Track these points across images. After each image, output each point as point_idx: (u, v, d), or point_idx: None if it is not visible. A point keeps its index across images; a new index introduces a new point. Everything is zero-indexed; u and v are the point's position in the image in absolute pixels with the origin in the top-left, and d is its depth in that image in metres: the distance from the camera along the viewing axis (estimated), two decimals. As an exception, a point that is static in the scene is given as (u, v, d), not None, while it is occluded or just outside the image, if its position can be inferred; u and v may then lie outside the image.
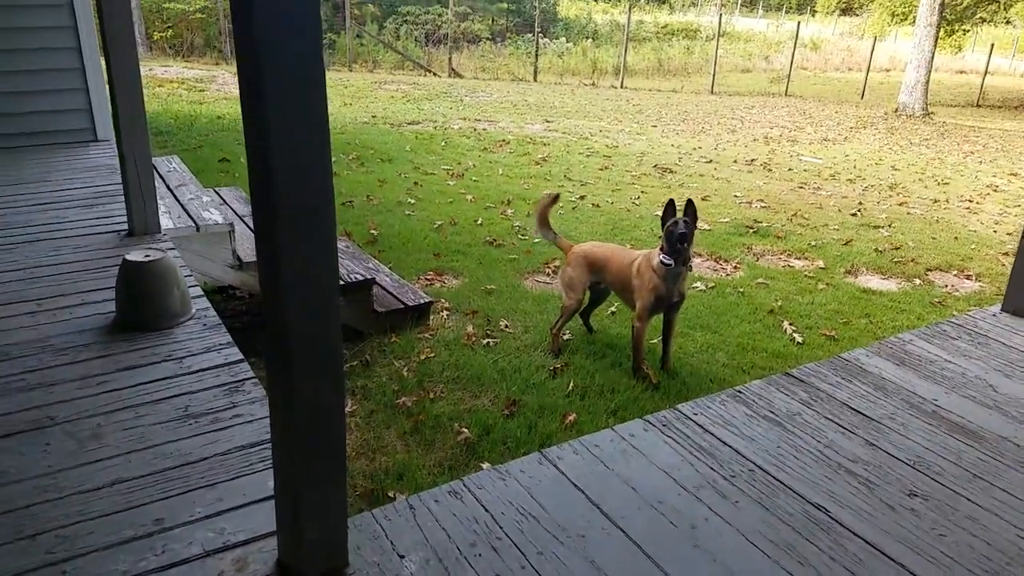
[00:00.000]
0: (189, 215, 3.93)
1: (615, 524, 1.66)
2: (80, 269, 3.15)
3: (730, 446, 1.97)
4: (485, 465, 2.85)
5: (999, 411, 2.26)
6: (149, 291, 2.60)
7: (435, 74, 19.43)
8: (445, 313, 4.31)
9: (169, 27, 20.14)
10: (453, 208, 6.60)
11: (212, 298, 3.33)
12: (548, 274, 5.05)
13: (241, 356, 2.47)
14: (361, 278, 4.02)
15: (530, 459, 1.89)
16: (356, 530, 1.60)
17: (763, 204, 7.22)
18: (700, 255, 5.59)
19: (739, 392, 2.25)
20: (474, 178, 7.84)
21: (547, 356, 3.80)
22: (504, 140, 10.16)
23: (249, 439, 1.99)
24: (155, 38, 19.96)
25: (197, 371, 2.35)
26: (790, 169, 9.15)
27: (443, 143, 9.73)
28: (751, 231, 6.21)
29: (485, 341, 3.95)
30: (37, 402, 2.16)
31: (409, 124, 11.13)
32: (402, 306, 4.08)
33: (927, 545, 1.67)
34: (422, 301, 4.16)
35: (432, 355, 3.77)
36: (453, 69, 19.57)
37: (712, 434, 2.02)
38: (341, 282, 3.90)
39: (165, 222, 3.69)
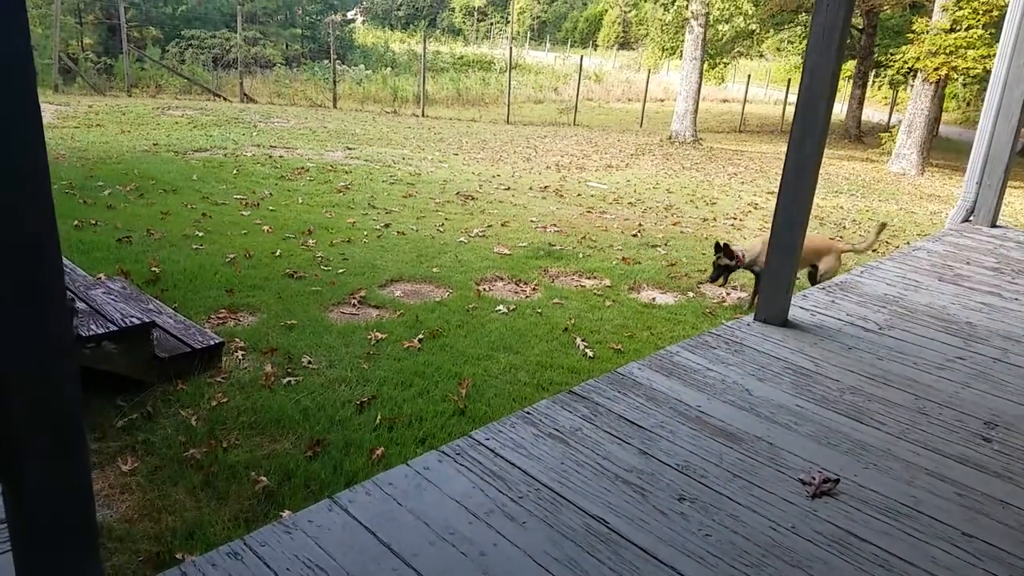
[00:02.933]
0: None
1: (406, 563, 1.68)
2: None
3: (519, 467, 2.07)
4: (285, 513, 2.74)
5: (753, 413, 2.58)
6: None
7: (225, 99, 18.46)
8: (240, 354, 4.10)
9: None
10: (248, 240, 6.30)
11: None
12: (353, 305, 4.99)
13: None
14: (138, 322, 3.70)
15: (319, 507, 1.85)
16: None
17: (556, 228, 7.68)
18: (502, 279, 5.82)
19: (527, 413, 2.38)
20: (271, 207, 7.54)
21: (353, 389, 3.75)
22: (303, 168, 9.89)
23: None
24: None
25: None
26: (579, 195, 9.82)
27: (235, 171, 9.26)
28: (546, 254, 6.57)
29: (286, 380, 3.80)
30: None
31: (196, 151, 10.47)
32: (188, 349, 3.81)
33: (695, 546, 1.84)
34: (212, 343, 3.91)
35: (225, 400, 3.57)
36: (245, 94, 18.72)
37: (503, 457, 2.11)
38: (114, 327, 3.57)
39: None
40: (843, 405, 2.71)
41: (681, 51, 18.58)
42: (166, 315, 4.14)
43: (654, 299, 5.64)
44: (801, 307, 3.78)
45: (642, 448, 2.26)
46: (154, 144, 10.80)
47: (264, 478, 2.95)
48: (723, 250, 5.28)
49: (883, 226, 5.87)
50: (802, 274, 5.48)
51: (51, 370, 1.13)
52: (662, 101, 28.03)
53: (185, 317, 4.22)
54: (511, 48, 23.31)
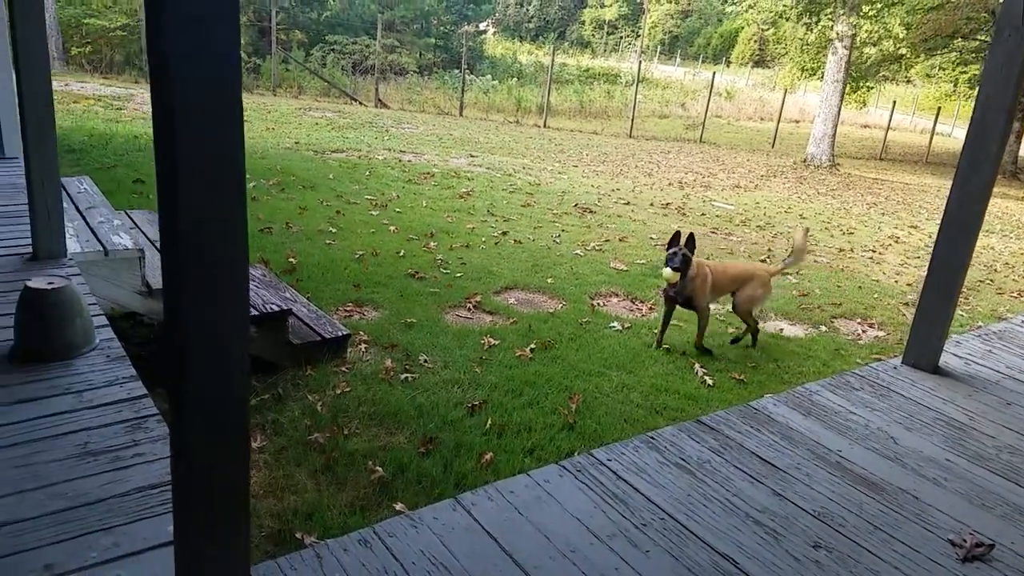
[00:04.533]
0: (98, 239, 3.75)
1: (526, 574, 1.66)
2: (-27, 294, 2.96)
3: (642, 493, 2.02)
4: (399, 506, 2.81)
5: (899, 463, 2.39)
6: (50, 320, 2.46)
7: (361, 103, 19.35)
8: (363, 346, 4.25)
9: (88, 43, 19.40)
10: (375, 239, 6.54)
11: (119, 325, 3.18)
12: (469, 309, 5.07)
13: (145, 391, 2.36)
14: (277, 308, 3.92)
15: (444, 505, 1.87)
16: (260, 581, 1.55)
17: (678, 248, 7.49)
18: (617, 295, 5.74)
19: (652, 438, 2.31)
20: (397, 209, 7.81)
21: (465, 392, 3.80)
22: (429, 172, 10.19)
23: (150, 480, 1.90)
24: (73, 53, 19.18)
25: (98, 406, 2.23)
26: (703, 214, 9.55)
27: (367, 172, 9.67)
28: (666, 274, 6.43)
29: (403, 376, 3.91)
30: (-81, 438, 2.00)
31: (333, 152, 11.01)
32: (319, 338, 3.99)
33: (829, 595, 1.73)
34: (339, 334, 4.08)
35: (348, 390, 3.70)
36: (379, 99, 19.55)
37: (625, 481, 2.06)
38: (255, 312, 3.79)
39: (72, 245, 3.51)
40: (999, 464, 2.47)
41: (822, 72, 17.76)
42: (300, 304, 4.36)
43: (781, 330, 5.38)
44: (954, 354, 3.48)
45: (776, 489, 2.14)
46: (296, 142, 11.46)
47: (380, 469, 3.03)
48: (688, 242, 4.46)
49: (805, 231, 5.29)
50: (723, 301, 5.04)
51: (238, 346, 1.21)
52: (797, 122, 26.91)
53: (317, 307, 4.43)
54: (640, 62, 23.10)
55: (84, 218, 4.11)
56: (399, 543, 1.72)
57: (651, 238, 7.75)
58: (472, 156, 12.40)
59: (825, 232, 9.36)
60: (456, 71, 22.93)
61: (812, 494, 2.15)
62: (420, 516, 1.81)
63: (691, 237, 4.50)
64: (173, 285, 1.17)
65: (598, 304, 5.46)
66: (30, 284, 2.51)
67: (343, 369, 3.92)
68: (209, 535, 1.33)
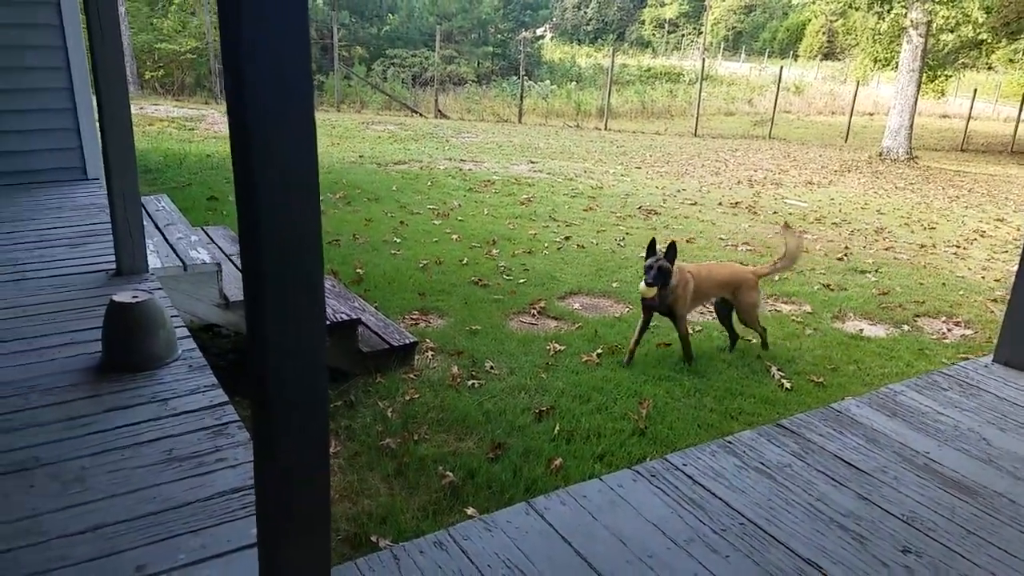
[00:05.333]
0: (177, 254, 3.91)
1: (604, 578, 1.64)
2: (67, 309, 3.12)
3: (720, 498, 1.96)
4: (470, 510, 2.82)
5: (993, 465, 2.26)
6: (136, 332, 2.58)
7: (421, 115, 19.68)
8: (430, 353, 4.30)
9: (160, 67, 20.36)
10: (438, 247, 6.62)
11: (198, 336, 3.30)
12: (533, 315, 5.06)
13: (226, 398, 2.44)
14: (347, 318, 4.00)
15: (516, 509, 1.87)
16: (340, 582, 1.57)
17: (748, 247, 7.31)
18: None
19: (729, 442, 2.25)
20: (460, 218, 7.89)
21: (532, 398, 3.78)
22: (489, 180, 10.26)
23: (232, 484, 1.95)
24: (146, 77, 20.16)
25: (182, 413, 2.32)
26: (775, 212, 9.29)
27: (429, 183, 9.81)
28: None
29: (470, 382, 3.93)
30: (22, 443, 2.12)
31: (396, 164, 11.22)
32: (387, 346, 4.06)
33: (921, 602, 1.64)
34: (407, 341, 4.14)
35: (417, 396, 3.75)
36: (439, 110, 19.83)
37: (702, 485, 2.01)
38: (327, 322, 3.88)
39: (153, 261, 3.67)
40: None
41: (896, 62, 17.05)
42: (369, 313, 4.44)
43: (861, 330, 5.16)
44: (1051, 350, 3.26)
45: (861, 493, 2.05)
46: (359, 156, 11.74)
47: (450, 474, 3.05)
48: (668, 251, 4.17)
49: (798, 233, 4.94)
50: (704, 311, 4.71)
51: (316, 355, 1.25)
52: (871, 115, 25.92)
53: (384, 316, 4.50)
54: (703, 59, 22.71)
55: (163, 235, 4.29)
56: (474, 546, 1.72)
57: (720, 238, 7.58)
58: (532, 162, 12.42)
59: (905, 228, 8.96)
60: (514, 78, 23.07)
61: (900, 498, 2.04)
62: (494, 520, 1.81)
63: (671, 246, 4.17)
64: (255, 299, 1.21)
65: (666, 307, 5.37)
66: (115, 298, 2.63)
67: (411, 376, 3.97)
68: (292, 537, 1.35)
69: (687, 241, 7.35)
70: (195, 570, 1.62)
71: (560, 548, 1.72)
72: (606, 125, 19.24)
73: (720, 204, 9.59)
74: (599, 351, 4.41)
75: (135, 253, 3.51)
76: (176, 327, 2.85)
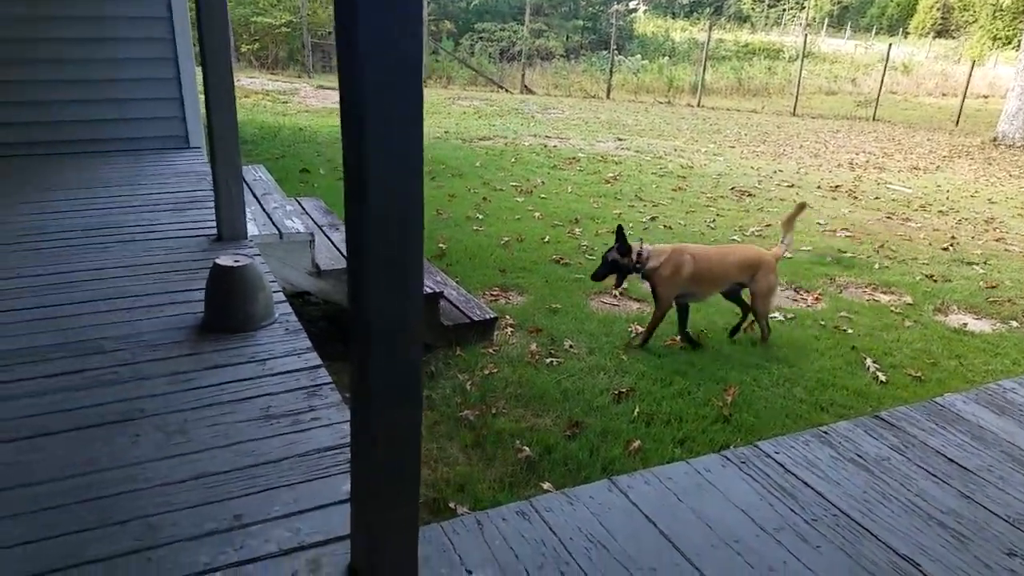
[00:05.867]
0: (273, 223, 4.06)
1: (688, 560, 1.61)
2: (172, 270, 3.29)
3: (813, 488, 1.89)
4: (546, 485, 2.84)
5: (1111, 469, 2.09)
6: (237, 295, 2.69)
7: (507, 90, 19.64)
8: (509, 330, 4.32)
9: (256, 40, 20.98)
10: (520, 225, 6.62)
11: (291, 302, 3.43)
12: (614, 296, 5.00)
13: (319, 361, 2.53)
14: (430, 291, 4.07)
15: (599, 486, 1.86)
16: (425, 542, 1.60)
17: (848, 233, 6.97)
18: (780, 284, 5.43)
19: (824, 432, 2.16)
20: (543, 195, 7.86)
21: (611, 378, 3.75)
22: (574, 157, 10.16)
23: (325, 443, 2.02)
24: (243, 50, 20.83)
25: (278, 373, 2.41)
26: (877, 198, 8.81)
27: (513, 159, 9.80)
28: (834, 261, 6.00)
29: (548, 360, 3.93)
30: (129, 395, 2.25)
31: (480, 140, 11.26)
32: (468, 321, 4.11)
33: (1028, 611, 1.55)
34: (487, 316, 4.18)
35: (495, 371, 3.78)
36: (525, 86, 19.74)
37: (794, 474, 1.94)
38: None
39: (251, 229, 3.82)
40: None
41: (1017, 41, 15.79)
42: (450, 287, 4.50)
43: (965, 324, 4.85)
44: None
45: (964, 491, 1.93)
46: (445, 132, 11.84)
47: (527, 448, 3.07)
48: (617, 238, 4.07)
49: (803, 207, 4.53)
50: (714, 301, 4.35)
51: (409, 327, 1.29)
52: (985, 98, 24.06)
53: (466, 291, 4.55)
54: (805, 35, 21.67)
55: (260, 204, 4.46)
56: (556, 518, 1.72)
57: (819, 223, 7.26)
58: (620, 139, 12.22)
59: (1018, 218, 8.32)
60: (604, 52, 22.66)
61: (1006, 498, 1.92)
62: (576, 494, 1.81)
63: (619, 231, 4.07)
64: (359, 268, 1.25)
65: (756, 292, 5.20)
66: (218, 261, 2.75)
67: (490, 351, 4.01)
68: (384, 496, 1.39)
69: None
70: (288, 522, 1.69)
71: (643, 526, 1.70)
72: (699, 102, 18.67)
73: (819, 187, 9.17)
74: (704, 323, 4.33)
75: (235, 220, 3.66)
76: (274, 292, 2.97)
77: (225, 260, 2.76)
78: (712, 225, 6.98)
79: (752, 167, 10.32)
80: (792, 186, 9.13)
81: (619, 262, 4.05)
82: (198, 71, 4.66)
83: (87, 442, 1.99)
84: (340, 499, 1.77)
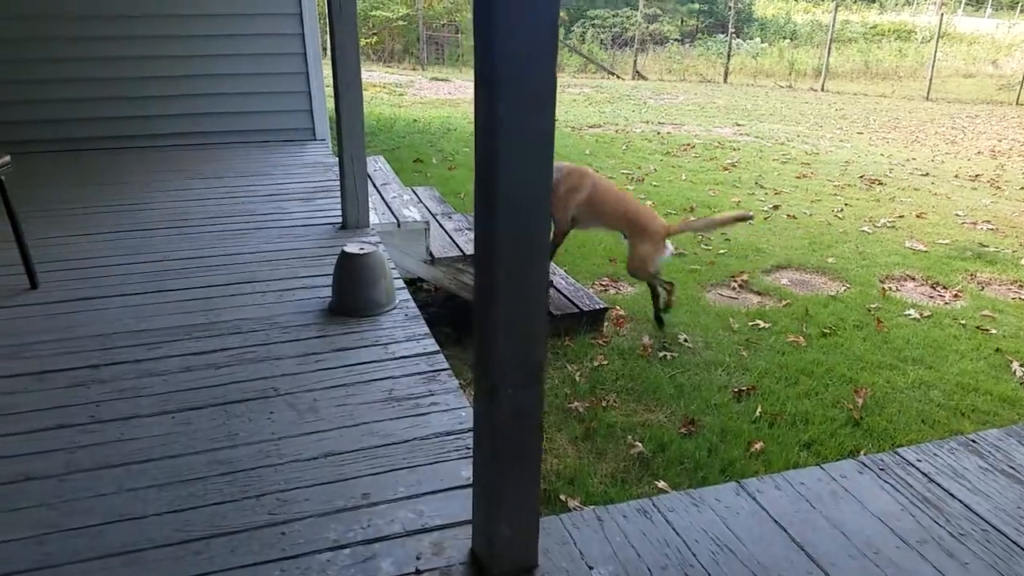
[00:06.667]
0: (392, 212, 4.19)
1: (822, 569, 1.52)
2: (301, 256, 3.47)
3: (960, 500, 1.75)
4: (661, 484, 2.78)
5: None
6: (362, 281, 2.80)
7: (619, 77, 19.32)
8: (620, 321, 4.25)
9: (374, 34, 21.65)
10: (633, 213, 6.50)
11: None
12: (733, 288, 4.82)
13: (437, 347, 2.59)
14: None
15: (725, 488, 1.79)
16: (545, 533, 1.60)
17: (990, 226, 6.40)
18: (914, 279, 5.07)
19: (972, 441, 2.00)
20: (655, 183, 7.67)
21: (731, 375, 3.62)
22: (689, 144, 9.86)
23: (445, 427, 2.07)
24: (361, 44, 21.51)
25: (400, 358, 2.49)
26: (1022, 188, 8.04)
27: (624, 147, 9.63)
28: (975, 256, 5.53)
29: (662, 354, 3.84)
30: (264, 374, 2.39)
31: (590, 127, 11.14)
32: (577, 310, 4.07)
33: None
34: (597, 307, 4.13)
35: (605, 363, 3.73)
36: (637, 71, 19.35)
37: (938, 484, 1.80)
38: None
39: (372, 217, 3.96)
40: None
41: None
42: (559, 276, 4.48)
43: None
44: None
45: None
46: (555, 119, 11.78)
47: (639, 444, 3.01)
48: None
49: (745, 218, 4.06)
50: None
51: (535, 315, 1.29)
52: None
53: (574, 280, 4.52)
54: (940, 15, 20.06)
55: (380, 193, 4.61)
56: (679, 519, 1.68)
57: (957, 214, 6.71)
58: (738, 125, 11.76)
59: None
60: (721, 36, 21.85)
61: None
62: (701, 495, 1.76)
63: None
64: (489, 256, 1.27)
65: (890, 288, 4.88)
66: (346, 249, 2.87)
67: (600, 342, 3.96)
68: (506, 483, 1.41)
69: (917, 216, 6.58)
70: (411, 503, 1.74)
71: (773, 532, 1.63)
72: (823, 86, 17.66)
73: (956, 176, 8.47)
74: (809, 331, 4.12)
75: (360, 209, 3.80)
76: (394, 279, 3.06)
77: (352, 248, 2.87)
78: (839, 215, 6.59)
79: (882, 154, 9.66)
80: (927, 175, 8.48)
81: None
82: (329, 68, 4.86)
83: (229, 417, 2.12)
84: (460, 484, 1.80)
